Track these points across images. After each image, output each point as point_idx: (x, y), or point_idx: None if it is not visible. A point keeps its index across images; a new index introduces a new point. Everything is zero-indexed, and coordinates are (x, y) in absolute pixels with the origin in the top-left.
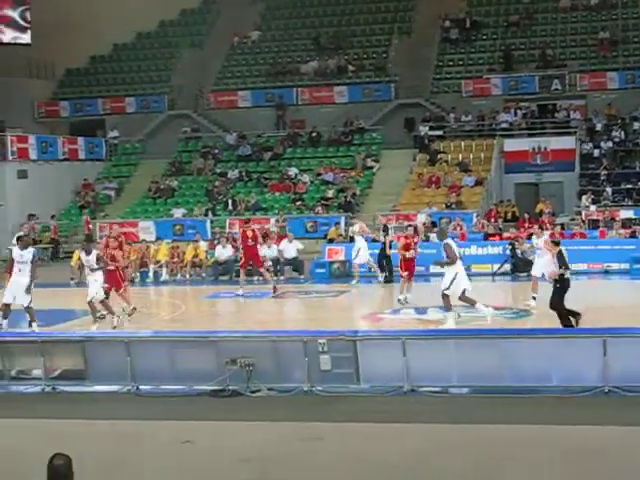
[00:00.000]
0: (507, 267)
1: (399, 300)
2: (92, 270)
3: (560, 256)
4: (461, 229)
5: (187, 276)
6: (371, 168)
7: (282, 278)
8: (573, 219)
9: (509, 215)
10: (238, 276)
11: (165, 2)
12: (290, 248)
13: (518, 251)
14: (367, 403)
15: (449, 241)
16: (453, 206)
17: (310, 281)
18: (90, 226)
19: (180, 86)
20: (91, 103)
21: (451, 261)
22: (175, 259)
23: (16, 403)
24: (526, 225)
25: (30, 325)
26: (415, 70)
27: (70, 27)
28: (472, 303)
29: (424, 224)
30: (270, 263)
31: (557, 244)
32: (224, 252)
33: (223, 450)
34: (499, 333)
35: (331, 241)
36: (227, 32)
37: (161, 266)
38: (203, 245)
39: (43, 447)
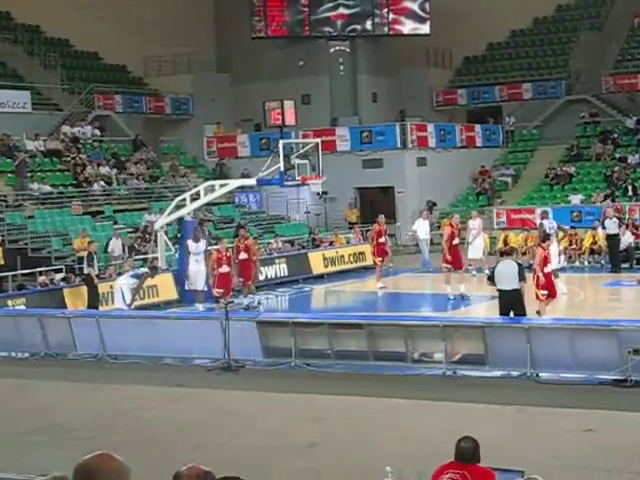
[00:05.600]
0: None
1: None
2: None
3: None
4: None
5: (585, 263)
6: None
7: None
8: None
9: None
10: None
11: None
12: None
13: None
14: None
15: None
16: None
17: None
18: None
19: (578, 70)
20: (487, 90)
21: None
22: (573, 246)
23: (418, 385)
24: None
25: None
26: None
27: (467, 15)
28: None
29: None
30: None
31: None
32: (625, 239)
33: (623, 441)
34: None
35: None
36: (627, 13)
37: (559, 253)
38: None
39: (444, 428)
